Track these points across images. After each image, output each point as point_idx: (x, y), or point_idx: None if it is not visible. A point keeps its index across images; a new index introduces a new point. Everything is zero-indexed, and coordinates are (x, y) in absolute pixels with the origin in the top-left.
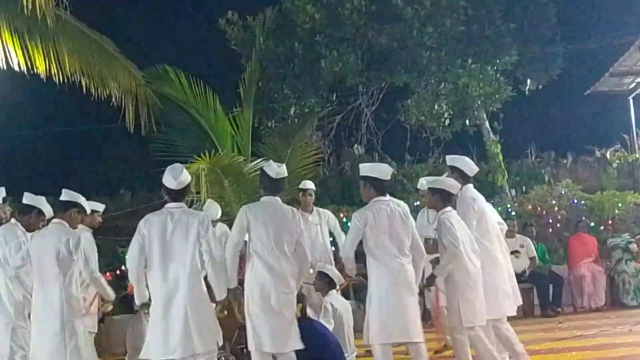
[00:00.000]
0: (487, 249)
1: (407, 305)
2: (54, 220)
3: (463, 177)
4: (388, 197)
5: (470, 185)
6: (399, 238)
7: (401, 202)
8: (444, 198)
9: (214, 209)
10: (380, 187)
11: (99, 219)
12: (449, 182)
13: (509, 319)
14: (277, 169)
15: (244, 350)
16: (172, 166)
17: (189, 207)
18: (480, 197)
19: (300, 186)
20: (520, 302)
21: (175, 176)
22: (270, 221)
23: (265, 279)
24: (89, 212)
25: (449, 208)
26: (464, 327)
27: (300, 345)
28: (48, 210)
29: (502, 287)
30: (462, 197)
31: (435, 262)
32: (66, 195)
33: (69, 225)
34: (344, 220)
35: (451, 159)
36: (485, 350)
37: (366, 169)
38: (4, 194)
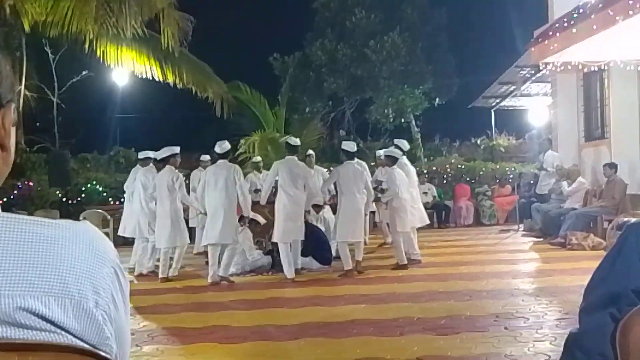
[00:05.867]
0: (409, 190)
1: (357, 219)
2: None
3: (402, 151)
4: (356, 160)
5: (404, 157)
6: (356, 183)
7: (363, 162)
8: (392, 161)
9: (257, 158)
10: (349, 154)
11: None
12: (394, 152)
13: (422, 228)
14: (295, 140)
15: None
16: (219, 142)
17: (248, 159)
18: (408, 162)
19: (307, 153)
20: (428, 222)
21: (221, 146)
22: (289, 169)
23: (286, 201)
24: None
25: (394, 167)
26: (398, 232)
27: (302, 237)
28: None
29: (419, 211)
30: (401, 162)
31: (378, 190)
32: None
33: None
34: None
35: (397, 141)
36: (400, 248)
37: (343, 145)
38: (178, 151)
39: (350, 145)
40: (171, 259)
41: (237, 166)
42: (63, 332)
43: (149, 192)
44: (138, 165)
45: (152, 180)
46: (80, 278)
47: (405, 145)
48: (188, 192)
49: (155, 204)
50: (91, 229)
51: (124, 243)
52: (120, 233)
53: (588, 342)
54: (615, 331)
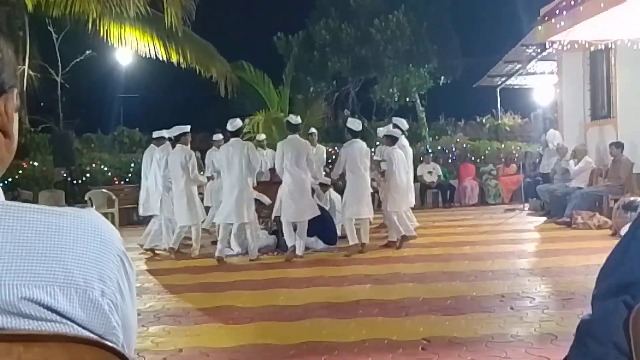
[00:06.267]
0: (406, 171)
1: (365, 197)
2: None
3: (401, 131)
4: (358, 139)
5: (403, 137)
6: (362, 161)
7: (364, 143)
8: (392, 140)
9: (262, 136)
10: (354, 133)
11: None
12: (394, 132)
13: (426, 208)
14: (295, 119)
15: (278, 219)
16: (231, 120)
17: (253, 138)
18: (407, 143)
19: (309, 132)
20: (413, 203)
21: (232, 124)
22: (293, 148)
23: (289, 180)
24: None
25: (395, 146)
26: (389, 211)
27: (309, 217)
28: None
29: (410, 192)
30: (400, 143)
31: (377, 166)
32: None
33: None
34: (337, 150)
35: (395, 119)
36: (396, 225)
37: (349, 123)
38: (188, 129)
39: (355, 124)
40: (188, 238)
41: (250, 143)
42: (69, 322)
43: (163, 170)
44: (152, 145)
45: (166, 157)
46: (86, 267)
47: (404, 124)
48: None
49: (171, 182)
50: (96, 217)
51: (128, 223)
52: (141, 213)
53: (600, 331)
54: (628, 318)
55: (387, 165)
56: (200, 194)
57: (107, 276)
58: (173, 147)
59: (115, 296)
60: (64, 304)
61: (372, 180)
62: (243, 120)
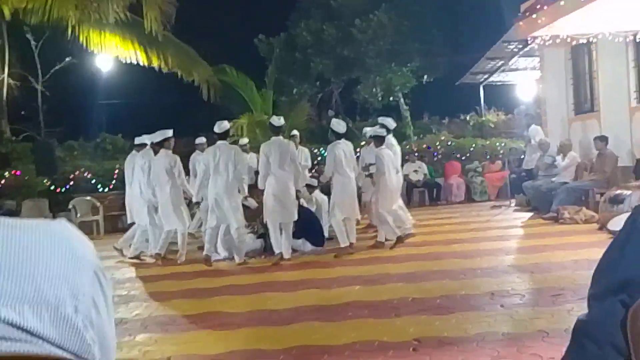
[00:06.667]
0: (397, 170)
1: (353, 198)
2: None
3: (387, 130)
4: (342, 140)
5: (390, 135)
6: (348, 162)
7: (349, 143)
8: (380, 141)
9: (244, 140)
10: (338, 135)
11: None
12: (381, 131)
13: (415, 205)
14: (277, 121)
15: (265, 222)
16: (218, 122)
17: (236, 142)
18: (395, 142)
19: (291, 134)
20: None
21: (219, 126)
22: (276, 150)
23: (273, 182)
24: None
25: (383, 146)
26: (382, 210)
27: (294, 219)
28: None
29: (398, 190)
30: (388, 142)
31: (366, 170)
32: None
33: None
34: (322, 151)
35: (381, 119)
36: (389, 225)
37: (333, 125)
38: (171, 134)
39: (339, 126)
40: (173, 244)
41: (237, 147)
42: (40, 341)
43: (146, 176)
44: (134, 151)
45: (149, 163)
46: (57, 282)
47: (390, 123)
48: (187, 175)
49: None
50: (67, 229)
51: (113, 230)
52: (129, 221)
53: (598, 331)
54: (625, 318)
55: (377, 166)
56: (186, 199)
57: (80, 291)
58: (155, 152)
59: (89, 312)
60: (34, 322)
61: (371, 175)
62: None
